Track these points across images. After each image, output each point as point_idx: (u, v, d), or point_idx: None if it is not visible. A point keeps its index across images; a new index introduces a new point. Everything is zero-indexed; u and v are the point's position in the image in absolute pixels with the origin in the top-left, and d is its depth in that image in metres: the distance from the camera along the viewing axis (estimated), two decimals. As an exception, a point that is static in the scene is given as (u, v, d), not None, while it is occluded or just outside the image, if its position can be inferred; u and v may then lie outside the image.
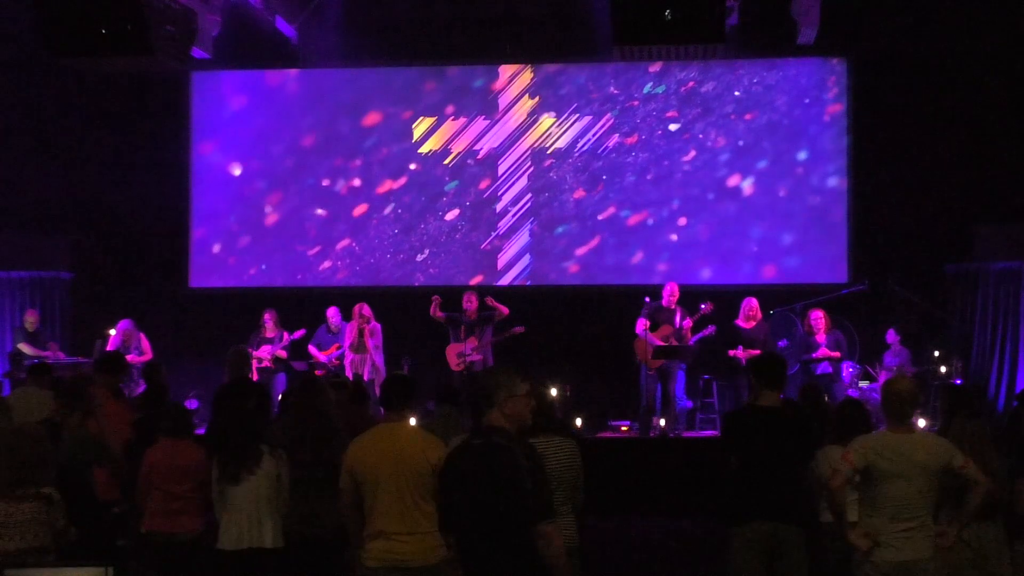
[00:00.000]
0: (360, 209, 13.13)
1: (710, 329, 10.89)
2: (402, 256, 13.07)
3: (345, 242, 13.13)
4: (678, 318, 10.84)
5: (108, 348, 11.33)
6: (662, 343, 10.74)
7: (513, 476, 3.98)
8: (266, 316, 11.60)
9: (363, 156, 13.15)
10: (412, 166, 13.06)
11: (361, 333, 11.25)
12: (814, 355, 10.82)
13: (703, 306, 10.86)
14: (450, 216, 13.05)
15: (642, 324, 10.86)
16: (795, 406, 6.36)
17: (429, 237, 13.06)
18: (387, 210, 13.09)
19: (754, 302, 11.00)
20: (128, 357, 11.18)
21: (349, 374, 11.04)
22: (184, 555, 5.97)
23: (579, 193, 12.88)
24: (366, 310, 11.35)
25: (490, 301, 11.34)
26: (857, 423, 5.68)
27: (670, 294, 10.96)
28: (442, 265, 13.05)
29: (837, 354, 10.79)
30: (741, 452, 5.50)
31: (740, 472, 5.47)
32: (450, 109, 13.05)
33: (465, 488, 4.10)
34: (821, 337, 10.83)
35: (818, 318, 10.84)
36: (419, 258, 13.06)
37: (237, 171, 13.28)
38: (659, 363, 10.78)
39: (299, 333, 11.54)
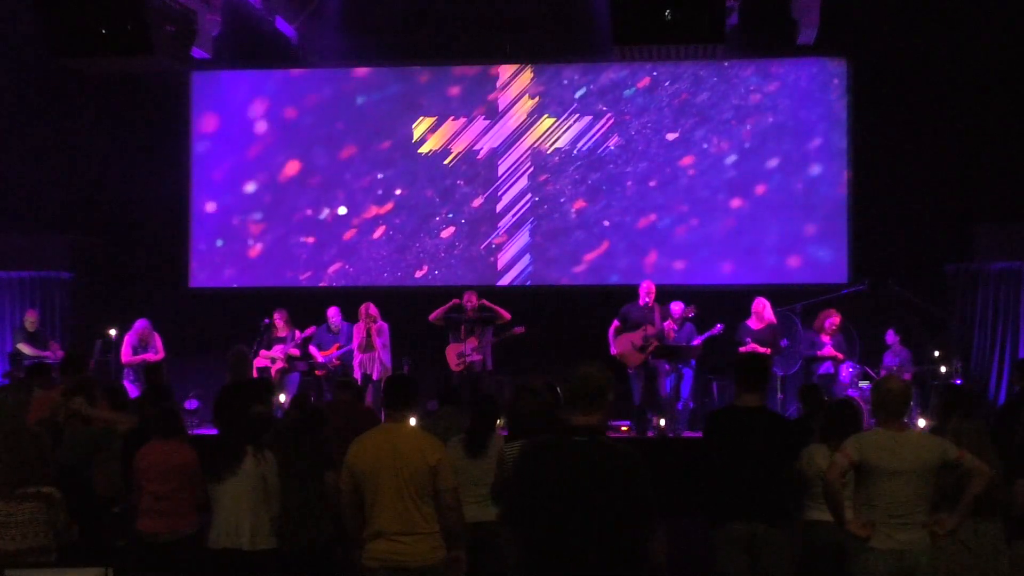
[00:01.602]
0: (364, 213, 13.18)
1: (717, 328, 10.89)
2: (400, 267, 13.08)
3: (347, 235, 13.18)
4: (657, 317, 10.83)
5: (125, 347, 11.43)
6: (640, 343, 10.77)
7: (634, 479, 3.77)
8: (276, 316, 11.62)
9: (362, 158, 13.18)
10: (411, 169, 13.09)
11: (368, 333, 11.26)
12: (818, 352, 10.81)
13: (718, 327, 10.90)
14: (450, 217, 13.04)
15: (613, 328, 10.90)
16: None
17: (429, 239, 13.06)
18: (387, 212, 13.12)
19: (764, 302, 10.98)
20: (144, 356, 11.29)
21: (358, 374, 11.07)
22: (172, 555, 5.97)
23: (579, 193, 12.87)
24: (372, 309, 11.34)
25: (486, 304, 11.31)
26: (847, 423, 5.69)
27: (646, 292, 10.95)
28: (442, 266, 13.05)
29: (840, 355, 10.79)
30: (723, 452, 5.50)
31: (721, 472, 5.48)
32: (450, 109, 13.05)
33: (567, 487, 3.78)
34: (826, 337, 10.83)
35: (832, 318, 10.82)
36: (418, 271, 13.06)
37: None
38: (639, 361, 10.80)
39: (309, 331, 11.56)
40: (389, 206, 13.11)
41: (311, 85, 13.30)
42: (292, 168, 13.23)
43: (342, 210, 13.14)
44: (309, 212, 13.20)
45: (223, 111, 13.38)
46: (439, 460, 4.92)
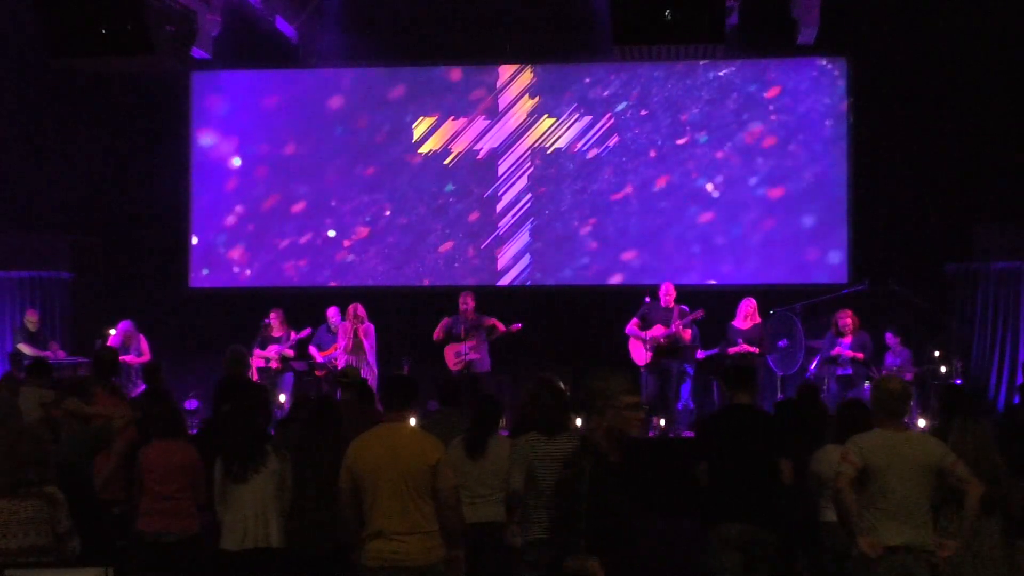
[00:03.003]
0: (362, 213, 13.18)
1: (715, 350, 10.95)
2: (401, 266, 13.09)
3: (348, 235, 13.17)
4: (675, 318, 10.84)
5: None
6: (649, 341, 10.80)
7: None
8: (272, 316, 11.60)
9: (362, 158, 13.18)
10: (411, 165, 13.09)
11: (356, 334, 11.25)
12: (832, 352, 10.77)
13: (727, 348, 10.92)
14: (450, 217, 13.03)
15: (633, 324, 10.90)
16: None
17: (429, 240, 13.05)
18: (387, 212, 13.12)
19: (752, 302, 11.02)
20: (127, 358, 11.25)
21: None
22: (174, 555, 5.96)
23: (579, 193, 12.87)
24: (360, 310, 11.34)
25: (485, 321, 11.27)
26: (858, 423, 5.68)
27: (666, 293, 10.97)
28: (442, 266, 13.05)
29: (860, 355, 10.67)
30: (716, 452, 5.49)
31: (715, 472, 5.47)
32: (450, 109, 13.05)
33: None
34: (847, 338, 10.76)
35: (844, 318, 10.77)
36: (418, 271, 13.06)
37: (237, 162, 13.31)
38: (645, 360, 10.82)
39: (305, 332, 11.55)
40: (388, 208, 13.10)
41: (309, 84, 13.29)
42: (282, 175, 13.25)
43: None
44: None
45: (223, 111, 13.38)
46: (439, 460, 4.92)
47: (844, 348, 10.74)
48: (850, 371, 10.75)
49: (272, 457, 5.67)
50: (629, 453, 3.97)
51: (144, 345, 11.52)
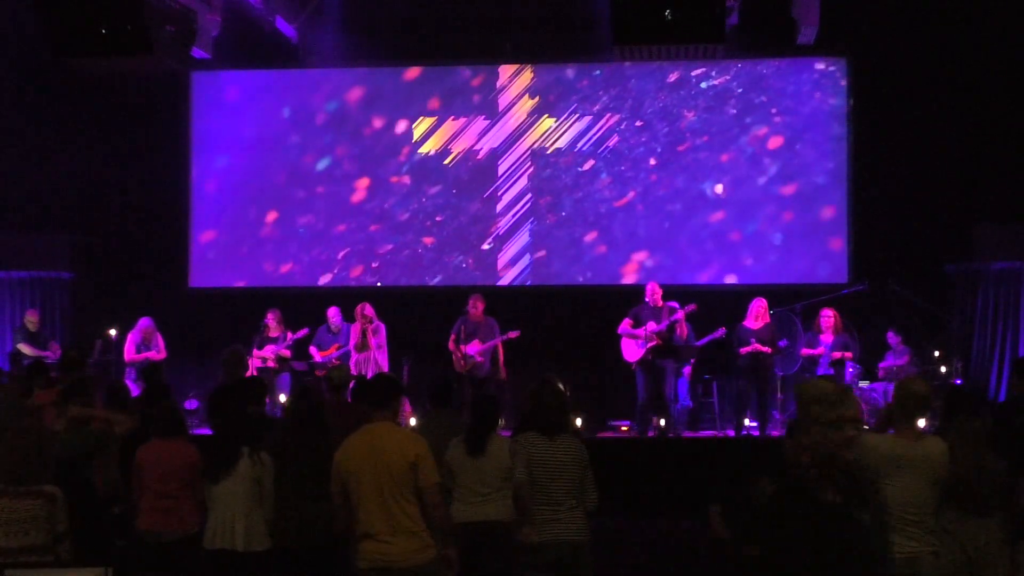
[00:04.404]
0: (360, 202, 13.18)
1: (720, 332, 10.92)
2: (402, 269, 13.09)
3: (348, 236, 13.18)
4: (665, 316, 10.86)
5: (128, 345, 11.48)
6: (643, 339, 10.81)
7: None
8: (269, 316, 11.61)
9: (362, 158, 13.18)
10: (408, 164, 13.10)
11: (364, 333, 11.27)
12: (811, 351, 10.87)
13: (720, 331, 10.96)
14: (450, 217, 13.03)
15: (626, 323, 10.92)
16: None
17: (429, 240, 13.05)
18: (386, 213, 13.13)
19: (763, 302, 11.02)
20: (146, 354, 11.33)
21: (354, 374, 11.04)
22: (174, 554, 5.96)
23: (579, 193, 12.88)
24: (368, 310, 11.35)
25: (501, 342, 11.24)
26: None
27: (652, 293, 10.97)
28: (442, 266, 13.04)
29: (837, 354, 10.77)
30: None
31: None
32: (450, 109, 13.05)
33: None
34: (827, 337, 10.83)
35: (826, 317, 10.87)
36: (418, 272, 13.04)
37: (237, 161, 13.32)
38: (638, 358, 10.83)
39: (302, 332, 11.55)
40: (386, 209, 13.11)
41: (309, 84, 13.29)
42: (283, 175, 13.25)
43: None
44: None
45: (223, 111, 13.38)
46: (418, 456, 4.88)
47: (820, 347, 10.85)
48: (831, 371, 10.80)
49: (246, 460, 5.64)
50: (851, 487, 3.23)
51: (161, 343, 11.58)
